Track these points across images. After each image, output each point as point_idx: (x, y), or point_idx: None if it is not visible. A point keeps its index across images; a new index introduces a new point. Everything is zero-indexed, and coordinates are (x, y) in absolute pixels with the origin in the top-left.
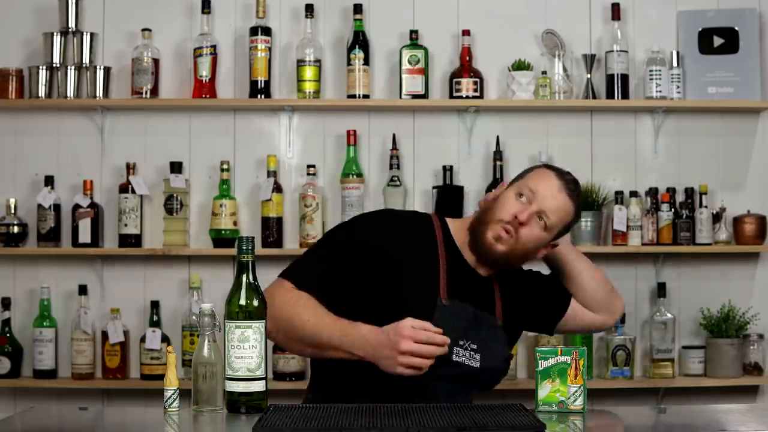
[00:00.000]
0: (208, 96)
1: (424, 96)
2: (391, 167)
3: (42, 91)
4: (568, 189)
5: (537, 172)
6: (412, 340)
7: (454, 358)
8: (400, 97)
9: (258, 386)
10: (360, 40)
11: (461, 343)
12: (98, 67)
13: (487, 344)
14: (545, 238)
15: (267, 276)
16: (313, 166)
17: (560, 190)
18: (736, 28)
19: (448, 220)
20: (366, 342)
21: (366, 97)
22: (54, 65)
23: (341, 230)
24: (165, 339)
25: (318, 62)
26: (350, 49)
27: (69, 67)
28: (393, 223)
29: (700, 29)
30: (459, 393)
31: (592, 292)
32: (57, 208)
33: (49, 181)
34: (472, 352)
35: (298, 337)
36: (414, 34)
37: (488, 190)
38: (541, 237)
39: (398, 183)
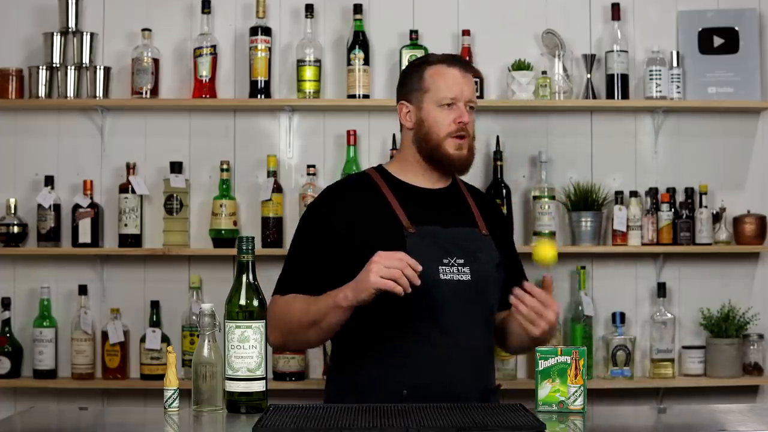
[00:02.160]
0: (208, 96)
1: None
2: None
3: (42, 91)
4: (464, 66)
5: (435, 76)
6: (384, 257)
7: (441, 276)
8: None
9: (258, 386)
10: (360, 40)
11: (445, 261)
12: (98, 67)
13: (475, 255)
14: (475, 117)
15: (267, 276)
16: (313, 166)
17: (463, 75)
18: (736, 28)
19: (385, 165)
20: (347, 285)
21: (366, 97)
22: (54, 65)
23: (299, 230)
24: (165, 339)
25: (318, 62)
26: (350, 49)
27: (69, 67)
28: (335, 196)
29: (700, 29)
30: (461, 308)
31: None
32: (57, 208)
33: (49, 181)
34: (459, 267)
35: (302, 328)
36: (414, 34)
37: (488, 190)
38: (474, 119)
39: None
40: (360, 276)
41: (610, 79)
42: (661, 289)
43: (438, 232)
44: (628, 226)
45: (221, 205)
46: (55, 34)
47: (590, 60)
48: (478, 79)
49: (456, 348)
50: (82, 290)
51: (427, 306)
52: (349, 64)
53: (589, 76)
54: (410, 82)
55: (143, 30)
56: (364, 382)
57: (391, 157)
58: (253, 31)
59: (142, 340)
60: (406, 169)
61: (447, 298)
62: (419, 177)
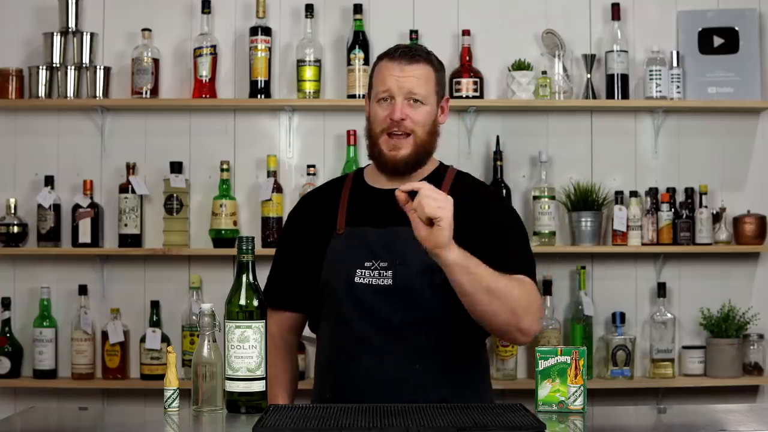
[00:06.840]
0: (208, 96)
1: None
2: None
3: (42, 91)
4: (406, 58)
5: (377, 72)
6: None
7: (356, 279)
8: None
9: (258, 386)
10: (360, 40)
11: (368, 264)
12: (98, 67)
13: (403, 258)
14: (430, 110)
15: (267, 276)
16: (313, 166)
17: (401, 67)
18: (736, 28)
19: (368, 165)
20: None
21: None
22: (54, 65)
23: (280, 239)
24: (165, 339)
25: (318, 62)
26: (350, 49)
27: (69, 67)
28: (303, 204)
29: (700, 29)
30: (380, 313)
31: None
32: (57, 208)
33: (49, 181)
34: (381, 271)
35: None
36: (414, 34)
37: None
38: (427, 112)
39: None
40: None
41: (610, 79)
42: (661, 289)
43: (368, 233)
44: (628, 226)
45: (221, 205)
46: (55, 34)
47: (590, 60)
48: (478, 79)
49: (371, 354)
50: (82, 290)
51: (341, 312)
52: (349, 64)
53: (589, 76)
54: (370, 77)
55: (143, 30)
56: (313, 385)
57: None
58: (253, 31)
59: (142, 340)
60: (374, 169)
61: (359, 303)
62: (379, 176)
